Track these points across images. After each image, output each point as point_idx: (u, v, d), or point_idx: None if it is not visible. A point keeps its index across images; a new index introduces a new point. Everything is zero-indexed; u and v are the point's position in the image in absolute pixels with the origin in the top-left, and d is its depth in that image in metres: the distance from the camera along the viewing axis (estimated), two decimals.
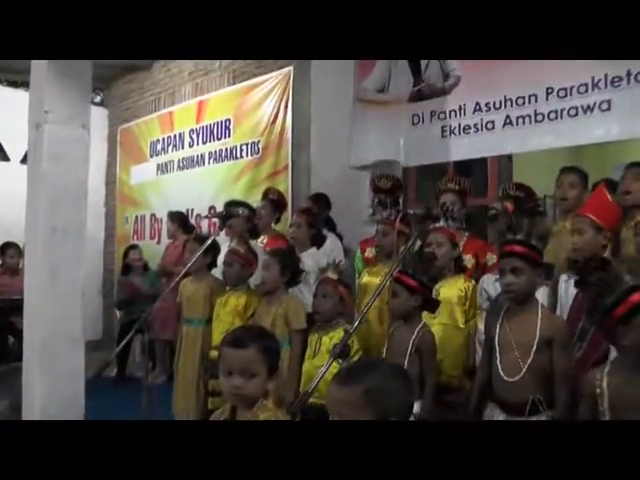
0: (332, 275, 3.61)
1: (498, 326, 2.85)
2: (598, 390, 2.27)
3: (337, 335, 3.45)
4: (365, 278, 3.98)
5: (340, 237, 4.99)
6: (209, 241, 4.08)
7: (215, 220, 6.01)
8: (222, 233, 4.46)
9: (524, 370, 2.70)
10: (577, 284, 2.98)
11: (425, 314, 3.36)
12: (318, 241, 4.55)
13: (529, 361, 2.70)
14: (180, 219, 6.54)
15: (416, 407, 3.01)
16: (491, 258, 3.88)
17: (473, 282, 3.61)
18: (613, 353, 2.82)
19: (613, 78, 4.00)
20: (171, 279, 5.90)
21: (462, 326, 3.52)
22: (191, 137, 7.19)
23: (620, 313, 2.20)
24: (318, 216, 4.73)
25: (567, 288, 3.26)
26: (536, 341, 2.71)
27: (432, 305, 3.33)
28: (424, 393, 3.12)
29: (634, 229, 3.12)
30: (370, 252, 4.29)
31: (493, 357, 2.85)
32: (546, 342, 2.72)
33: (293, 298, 3.94)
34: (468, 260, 3.83)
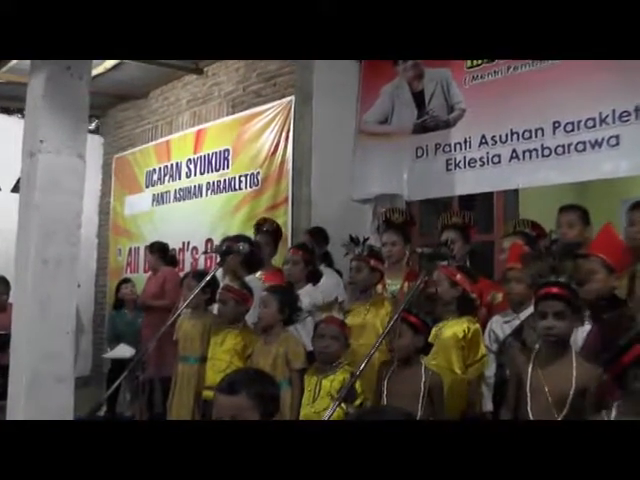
0: (337, 315, 3.61)
1: (530, 369, 2.82)
2: None
3: (338, 378, 3.43)
4: (349, 320, 3.88)
5: (339, 273, 4.98)
6: (208, 277, 4.10)
7: (212, 254, 6.04)
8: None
9: (560, 420, 2.67)
10: (593, 319, 2.96)
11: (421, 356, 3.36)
12: (314, 278, 4.55)
13: (564, 412, 2.68)
14: (160, 250, 6.50)
15: None
16: (496, 297, 3.87)
17: (477, 325, 3.57)
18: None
19: (621, 113, 4.05)
20: (151, 314, 5.96)
21: (458, 371, 3.47)
22: (188, 167, 7.21)
23: (630, 359, 2.20)
24: (314, 252, 4.72)
25: (576, 331, 3.25)
26: (572, 391, 2.69)
27: (428, 347, 3.33)
28: None
29: None
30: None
31: (522, 402, 2.81)
32: (581, 392, 2.70)
33: (292, 337, 3.94)
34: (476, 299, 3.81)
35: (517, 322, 3.45)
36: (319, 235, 5.12)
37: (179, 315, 4.03)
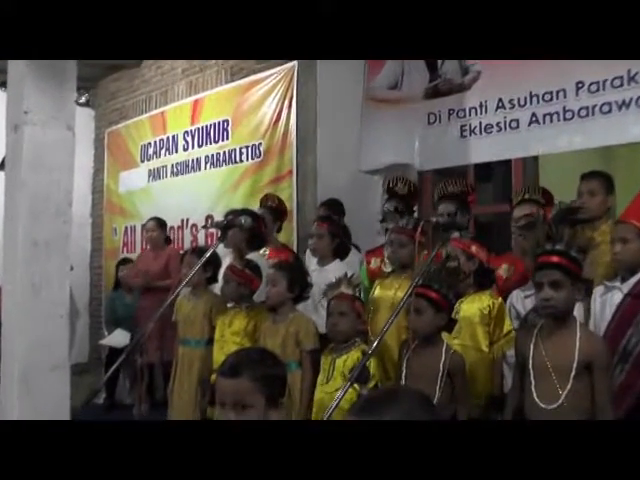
0: (347, 290, 3.55)
1: (532, 346, 2.79)
2: None
3: (352, 357, 3.40)
4: (377, 291, 3.90)
5: (358, 248, 4.90)
6: (208, 253, 4.02)
7: (213, 231, 5.96)
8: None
9: (563, 397, 2.64)
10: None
11: (446, 334, 3.30)
12: (342, 252, 4.47)
13: (568, 387, 2.64)
14: (163, 226, 6.48)
15: None
16: (508, 269, 3.81)
17: (500, 299, 3.51)
18: None
19: None
20: (149, 295, 5.88)
21: (485, 349, 3.42)
22: (185, 140, 7.13)
23: None
24: (340, 224, 4.65)
25: (603, 304, 3.21)
26: (575, 365, 2.65)
27: (451, 324, 3.25)
28: (459, 418, 3.06)
29: None
30: (375, 263, 4.22)
31: (526, 381, 2.78)
32: (586, 365, 2.65)
33: (303, 316, 3.91)
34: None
35: None
36: (336, 207, 5.06)
37: (177, 295, 3.96)
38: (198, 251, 4.51)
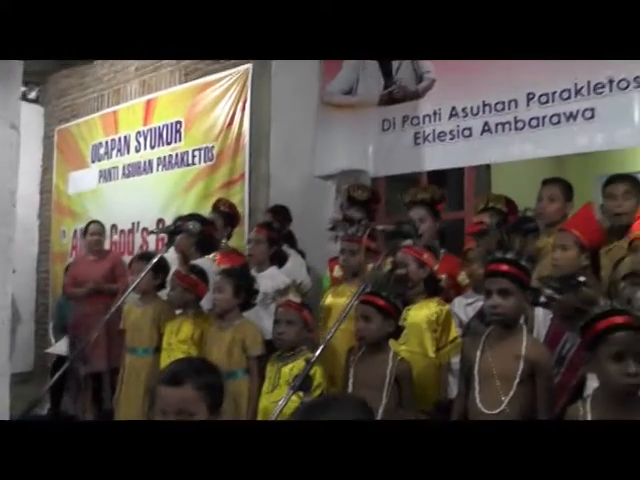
0: (294, 298, 3.58)
1: (479, 353, 2.86)
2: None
3: (298, 366, 3.43)
4: (329, 299, 3.95)
5: (302, 254, 4.96)
6: (155, 259, 4.02)
7: (164, 236, 5.95)
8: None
9: (505, 403, 2.72)
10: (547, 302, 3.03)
11: (393, 340, 3.35)
12: (279, 259, 4.52)
13: (511, 393, 2.72)
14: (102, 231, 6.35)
15: None
16: (465, 278, 3.90)
17: (447, 306, 3.59)
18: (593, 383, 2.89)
19: (596, 85, 4.09)
20: (89, 302, 5.68)
21: (432, 355, 3.48)
22: (138, 141, 7.09)
23: (603, 326, 2.24)
24: (279, 231, 4.69)
25: (545, 311, 3.29)
26: (520, 372, 2.73)
27: (398, 331, 3.32)
28: None
29: (629, 246, 3.16)
30: (338, 271, 4.25)
31: (471, 387, 2.85)
32: (530, 372, 2.74)
33: (248, 322, 3.92)
34: (444, 280, 3.83)
35: (481, 303, 3.44)
36: (282, 214, 5.10)
37: (124, 302, 3.95)
38: (145, 257, 4.50)
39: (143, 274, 3.89)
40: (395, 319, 3.25)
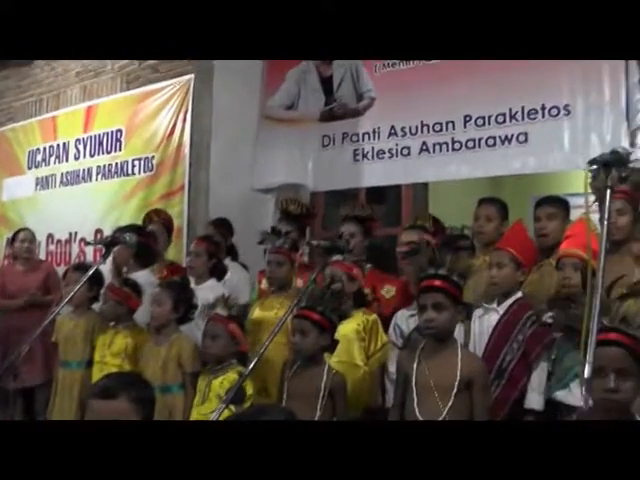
0: (221, 311, 3.60)
1: (415, 365, 2.97)
2: None
3: (228, 379, 3.46)
4: (256, 312, 3.98)
5: (246, 267, 4.98)
6: (91, 271, 3.98)
7: (101, 247, 5.87)
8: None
9: (444, 413, 2.83)
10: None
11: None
12: (218, 272, 4.54)
13: (449, 404, 2.84)
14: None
15: None
16: (389, 290, 3.99)
17: (374, 315, 3.68)
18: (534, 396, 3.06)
19: (529, 111, 4.27)
20: (16, 315, 5.50)
21: (360, 363, 3.57)
22: (77, 148, 6.96)
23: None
24: (219, 244, 4.71)
25: (481, 324, 3.43)
26: (457, 383, 2.85)
27: (333, 345, 3.38)
28: None
29: (556, 264, 3.30)
30: (265, 284, 4.31)
31: (409, 398, 2.96)
32: (466, 383, 2.87)
33: (185, 337, 3.91)
34: (369, 294, 3.92)
35: None
36: (223, 226, 5.11)
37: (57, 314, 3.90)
38: (80, 268, 4.46)
39: (79, 286, 3.85)
40: (330, 333, 3.31)
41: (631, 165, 3.09)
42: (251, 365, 2.91)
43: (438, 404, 2.85)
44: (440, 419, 2.82)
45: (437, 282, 2.95)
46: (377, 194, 5.33)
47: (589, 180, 1.96)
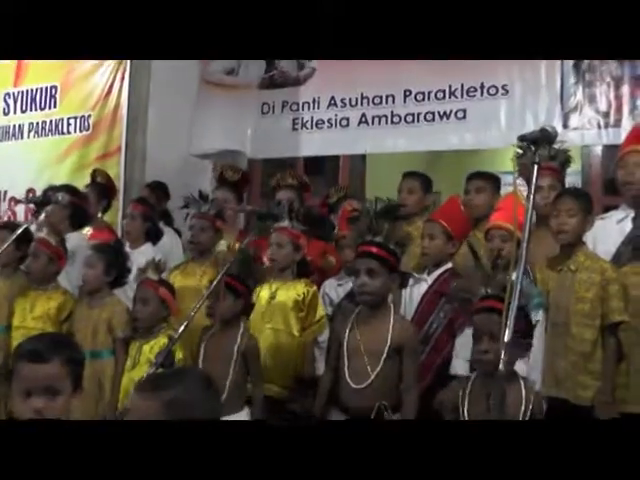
0: (152, 276, 3.58)
1: (347, 330, 3.03)
2: (461, 409, 2.57)
3: (158, 343, 3.44)
4: (178, 279, 3.93)
5: (179, 233, 4.96)
6: (20, 230, 3.89)
7: (32, 206, 5.74)
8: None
9: (372, 377, 2.90)
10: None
11: (260, 319, 3.52)
12: (153, 236, 4.50)
13: (378, 368, 2.90)
14: None
15: (245, 414, 3.18)
16: (330, 261, 4.05)
17: (314, 287, 3.72)
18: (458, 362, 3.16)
19: (469, 88, 4.38)
20: None
21: (296, 333, 3.61)
22: (7, 103, 6.71)
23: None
24: (155, 208, 4.67)
25: (411, 293, 3.51)
26: (387, 348, 2.92)
27: (249, 308, 3.43)
28: (253, 399, 3.26)
29: (485, 236, 3.39)
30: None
31: (340, 363, 3.02)
32: (396, 349, 2.94)
33: (118, 301, 3.82)
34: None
35: (351, 285, 3.59)
36: (160, 190, 5.07)
37: None
38: (8, 226, 4.34)
39: (6, 245, 3.75)
40: (245, 298, 3.34)
41: (560, 145, 3.26)
42: (180, 329, 2.90)
43: (367, 368, 2.91)
44: (366, 384, 2.89)
45: (373, 249, 3.00)
46: (315, 163, 5.37)
47: (518, 156, 2.04)
